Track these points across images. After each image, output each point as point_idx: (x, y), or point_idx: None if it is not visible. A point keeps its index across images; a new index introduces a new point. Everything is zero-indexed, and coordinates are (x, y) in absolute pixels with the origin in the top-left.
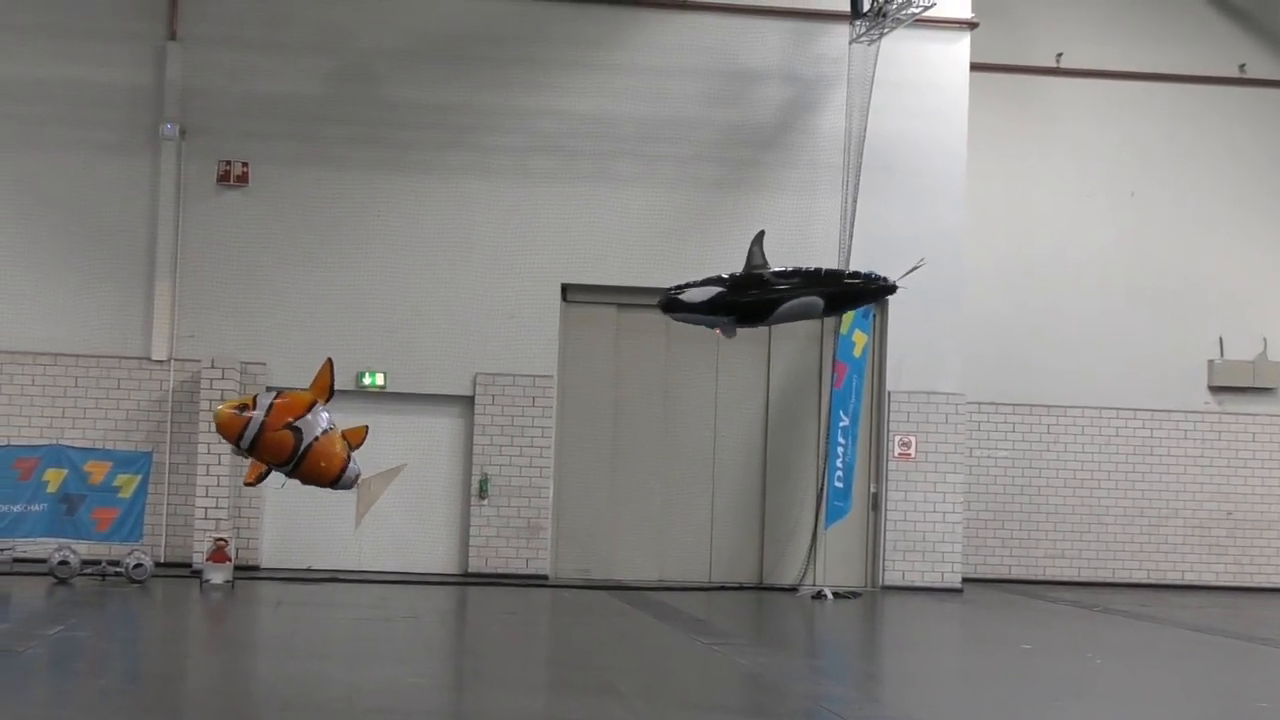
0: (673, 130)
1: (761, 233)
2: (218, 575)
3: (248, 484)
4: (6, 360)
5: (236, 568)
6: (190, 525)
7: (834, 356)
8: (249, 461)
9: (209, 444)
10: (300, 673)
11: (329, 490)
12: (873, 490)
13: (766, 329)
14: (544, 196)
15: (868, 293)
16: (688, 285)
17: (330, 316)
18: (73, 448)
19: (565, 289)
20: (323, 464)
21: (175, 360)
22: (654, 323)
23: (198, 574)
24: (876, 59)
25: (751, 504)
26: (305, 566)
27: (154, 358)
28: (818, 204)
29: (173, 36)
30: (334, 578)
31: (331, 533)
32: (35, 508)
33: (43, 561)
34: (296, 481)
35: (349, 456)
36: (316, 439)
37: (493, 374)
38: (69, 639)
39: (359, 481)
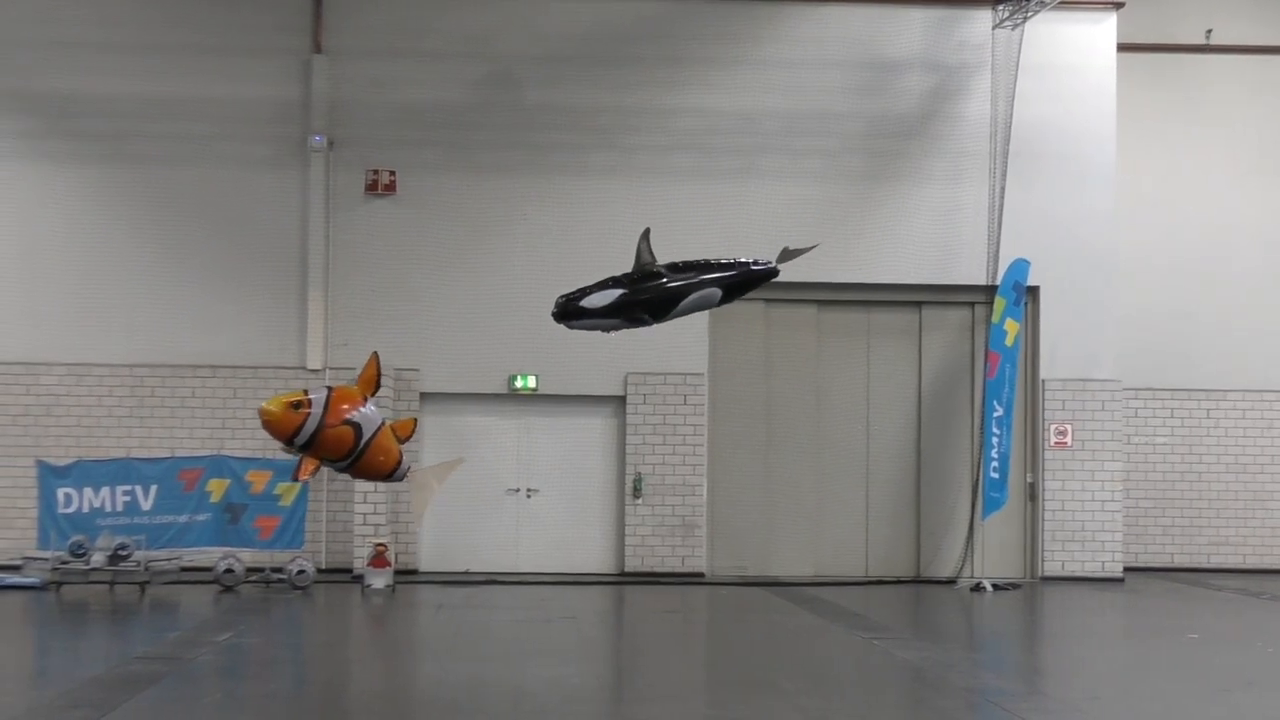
0: (816, 123)
1: (648, 230)
2: (378, 580)
3: (300, 479)
4: (169, 373)
5: (396, 572)
6: (350, 531)
7: (986, 346)
8: (298, 458)
9: (415, 465)
10: (463, 675)
11: (386, 484)
12: (1029, 480)
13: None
14: (688, 194)
15: (755, 278)
16: (584, 291)
17: (480, 320)
18: (234, 458)
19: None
20: (381, 458)
21: (330, 369)
22: (804, 317)
23: (359, 579)
24: (1021, 43)
25: (906, 497)
26: (464, 569)
27: (309, 367)
28: (964, 193)
29: (318, 49)
30: (492, 580)
31: (489, 535)
32: (200, 518)
33: (209, 570)
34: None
35: (401, 450)
36: (376, 433)
37: (643, 373)
38: (237, 645)
39: (410, 474)
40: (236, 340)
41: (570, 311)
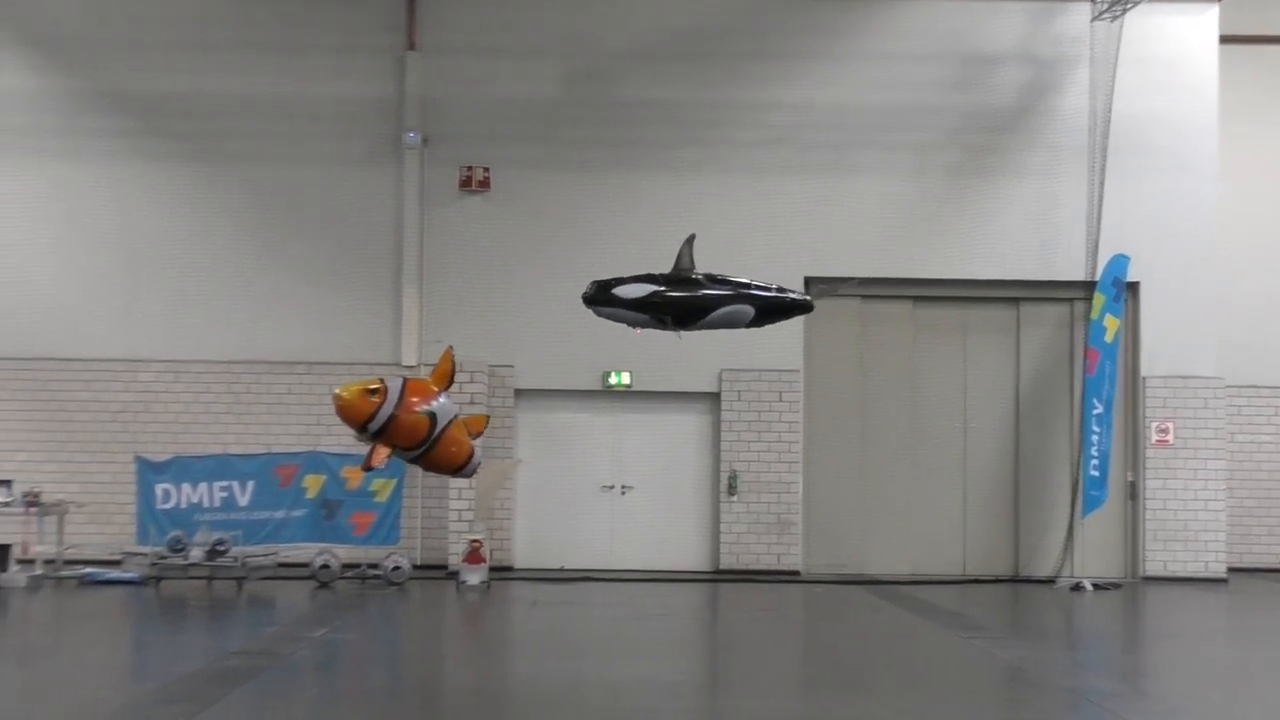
0: (909, 118)
1: (692, 236)
2: (473, 576)
3: (369, 469)
4: (265, 370)
5: (491, 568)
6: (445, 528)
7: (1085, 342)
8: (366, 443)
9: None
10: (559, 672)
11: (465, 479)
12: (1130, 478)
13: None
14: (781, 189)
15: (790, 306)
16: (620, 280)
17: (573, 317)
18: (330, 454)
19: (808, 282)
20: (453, 449)
21: (425, 365)
22: (900, 313)
23: (454, 575)
24: (1121, 36)
25: (1004, 495)
26: (558, 566)
27: (404, 363)
28: (1061, 187)
29: (412, 46)
30: (587, 576)
31: (583, 532)
32: (296, 513)
33: (305, 566)
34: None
35: (472, 444)
36: (449, 425)
37: (738, 370)
38: (333, 641)
39: (479, 470)
40: (332, 337)
41: (601, 297)
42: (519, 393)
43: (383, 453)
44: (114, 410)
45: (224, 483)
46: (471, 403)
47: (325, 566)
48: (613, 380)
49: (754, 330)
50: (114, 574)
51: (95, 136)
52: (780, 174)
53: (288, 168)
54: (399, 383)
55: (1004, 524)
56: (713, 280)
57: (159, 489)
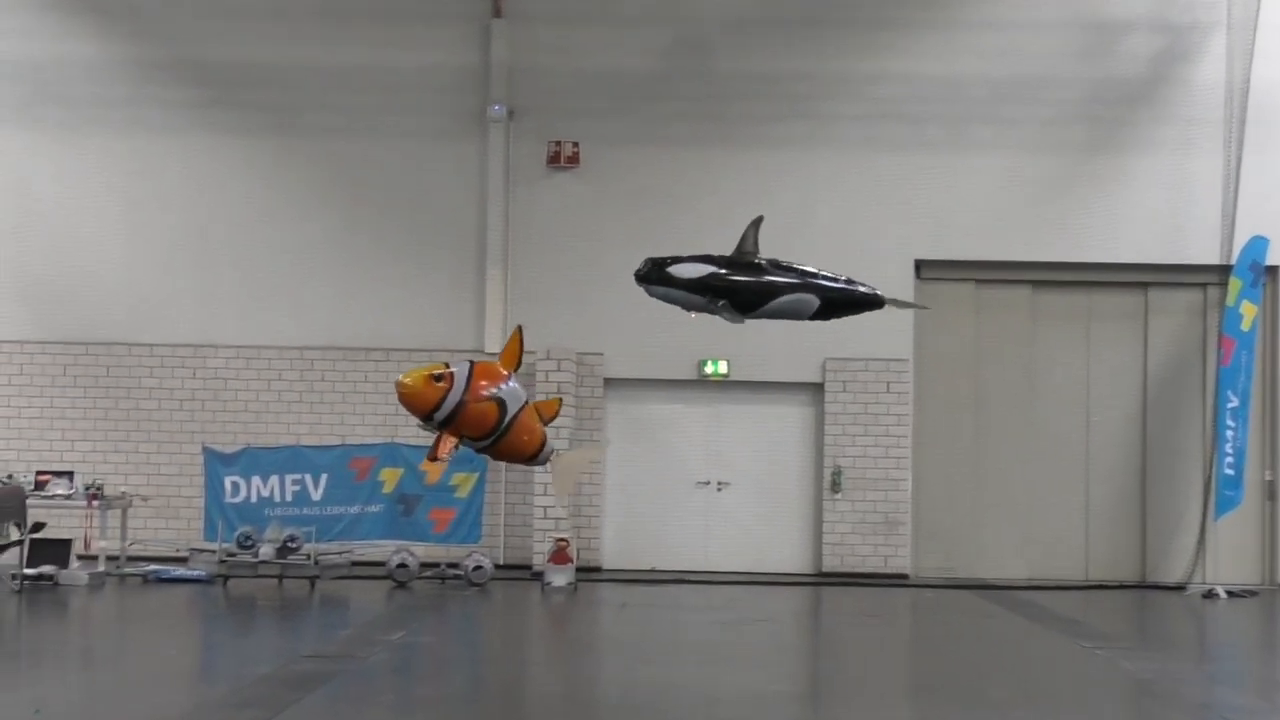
0: (1030, 90)
1: (759, 219)
2: (559, 577)
3: (436, 460)
4: (339, 356)
5: (578, 569)
6: (529, 526)
7: (1220, 330)
8: (434, 436)
9: (558, 448)
10: (651, 679)
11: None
12: (1268, 478)
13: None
14: (891, 166)
15: (859, 300)
16: (676, 259)
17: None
18: (408, 445)
19: (919, 265)
20: (525, 438)
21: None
22: (1017, 299)
23: (538, 576)
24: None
25: (1130, 494)
26: (649, 567)
27: (487, 350)
28: (1195, 163)
29: (498, 14)
30: (680, 579)
31: (676, 531)
32: (372, 509)
33: (381, 564)
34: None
35: (544, 431)
36: (520, 412)
37: (843, 359)
38: (411, 645)
39: (553, 458)
40: (411, 322)
41: (655, 276)
42: (609, 382)
43: (450, 443)
44: (181, 398)
45: (296, 476)
46: (558, 392)
47: (402, 566)
48: (709, 370)
49: (861, 318)
50: (180, 571)
51: (166, 108)
52: (890, 151)
53: (366, 142)
54: (465, 367)
55: (1130, 526)
56: (777, 267)
57: (228, 482)
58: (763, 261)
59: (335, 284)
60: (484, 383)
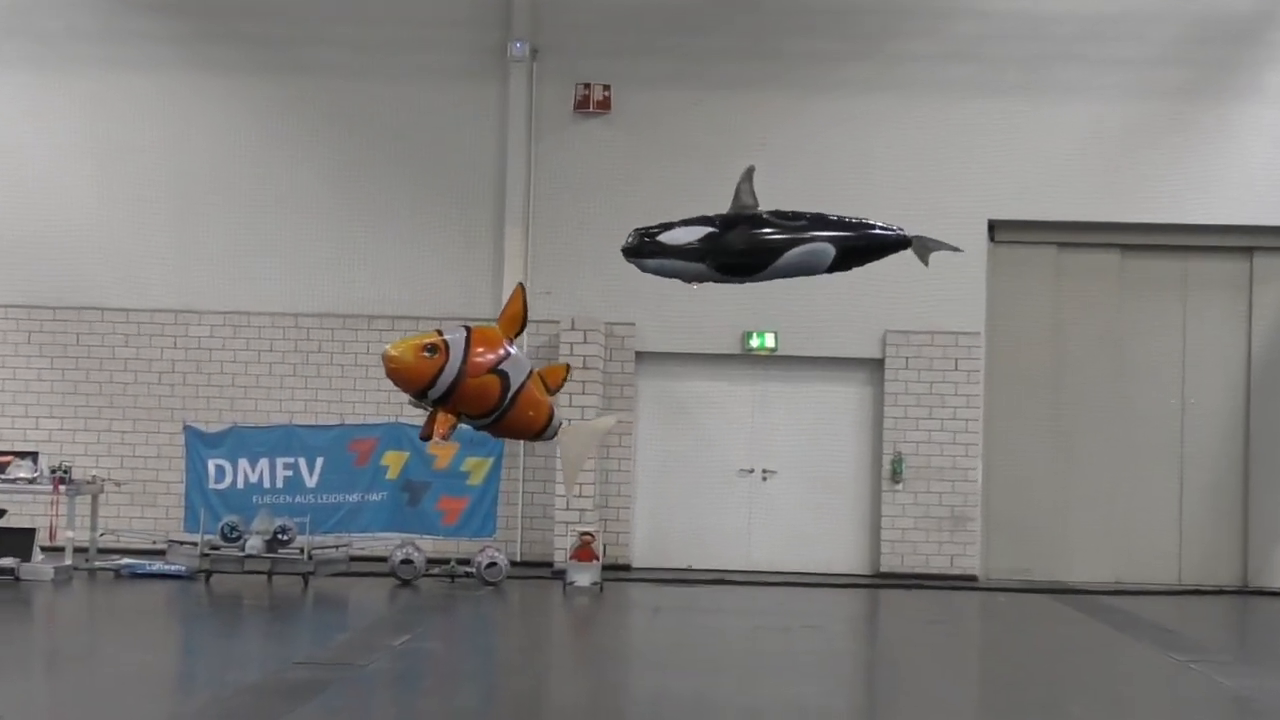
0: (1122, 27)
1: (751, 169)
2: (584, 576)
3: (428, 438)
4: (338, 325)
5: (605, 567)
6: (550, 517)
7: None
8: (426, 412)
9: (569, 420)
10: (685, 692)
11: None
12: None
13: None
14: (963, 114)
15: (881, 243)
16: (666, 226)
17: None
18: (414, 426)
19: (993, 226)
20: (530, 413)
21: (530, 322)
22: (1104, 265)
23: (560, 574)
24: None
25: (1232, 488)
26: (685, 566)
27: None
28: None
29: None
30: (720, 579)
31: (716, 525)
32: (374, 497)
33: (383, 560)
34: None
35: (551, 402)
36: (524, 384)
37: (906, 331)
38: (416, 651)
39: (561, 431)
40: (419, 286)
41: (645, 247)
42: (641, 356)
43: (447, 421)
44: (160, 370)
45: (289, 459)
46: (585, 367)
47: (407, 561)
48: (754, 343)
49: (926, 285)
50: (157, 566)
51: (142, 42)
52: (966, 94)
53: (371, 83)
54: (461, 335)
55: (1230, 523)
56: (780, 217)
57: (211, 465)
58: (764, 214)
59: (334, 243)
60: (483, 352)
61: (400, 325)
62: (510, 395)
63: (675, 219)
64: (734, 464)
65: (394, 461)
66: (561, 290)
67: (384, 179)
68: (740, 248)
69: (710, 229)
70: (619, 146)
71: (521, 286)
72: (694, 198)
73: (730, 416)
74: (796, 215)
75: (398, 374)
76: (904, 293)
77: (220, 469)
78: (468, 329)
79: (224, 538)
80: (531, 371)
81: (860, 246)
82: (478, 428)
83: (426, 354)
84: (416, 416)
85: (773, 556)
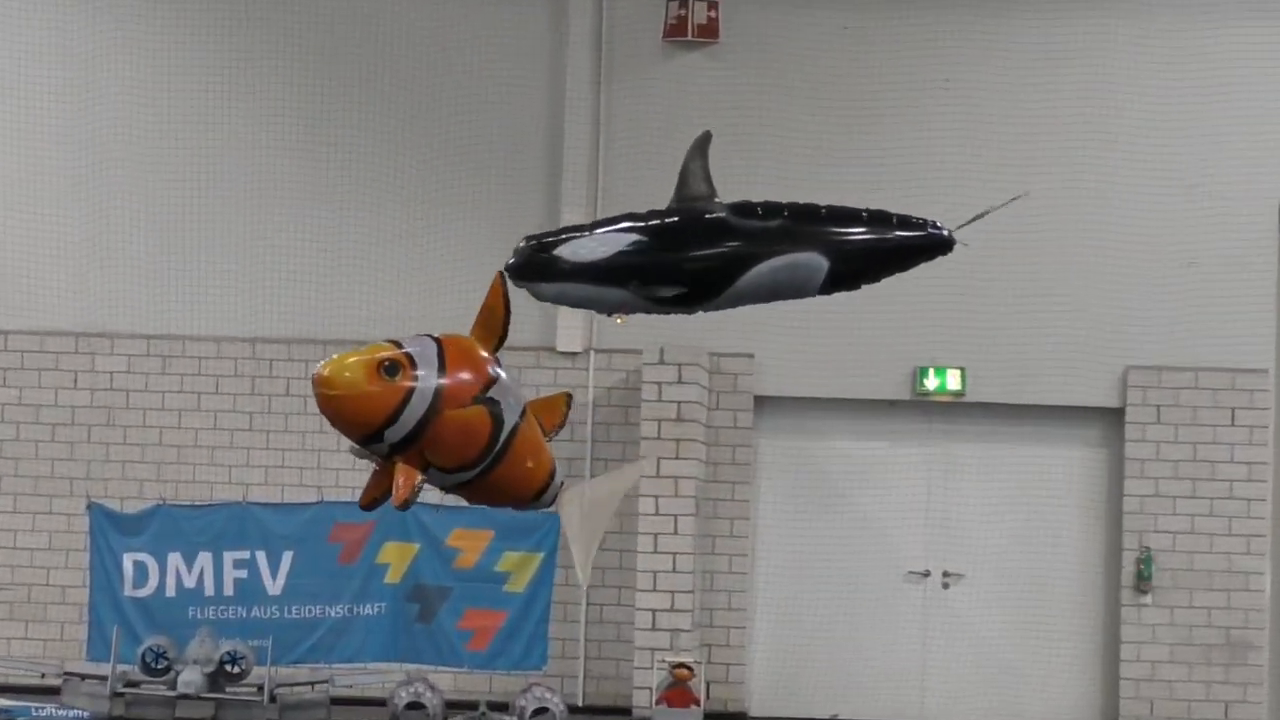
0: None
1: (706, 136)
2: None
3: (372, 505)
4: (313, 355)
5: (709, 716)
6: (628, 641)
7: None
8: (371, 463)
9: (657, 497)
10: None
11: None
12: None
13: None
14: (1239, 46)
15: (912, 249)
16: (571, 232)
17: None
18: (429, 505)
19: None
20: (529, 463)
21: (596, 351)
22: None
23: None
24: None
25: None
26: (829, 716)
27: (560, 348)
28: None
29: None
30: None
31: (874, 653)
32: (367, 610)
33: (381, 704)
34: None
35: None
36: (521, 419)
37: (1156, 368)
38: None
39: (562, 494)
40: (433, 293)
41: (534, 265)
42: (763, 403)
43: (409, 478)
44: (54, 421)
45: (242, 553)
46: (679, 419)
47: (417, 705)
48: (931, 383)
49: (1187, 300)
50: (48, 710)
51: None
52: (1239, 17)
53: (388, 16)
54: (431, 346)
55: None
56: (745, 214)
57: (129, 562)
58: (722, 210)
59: (309, 234)
60: (464, 372)
61: None
62: (504, 436)
63: (806, 193)
64: (901, 563)
65: (397, 557)
66: None
67: (390, 137)
68: (683, 264)
69: (638, 236)
70: (728, 89)
71: (501, 275)
72: (839, 163)
73: (895, 492)
74: (771, 210)
75: (343, 406)
76: (1154, 311)
77: (141, 567)
78: (436, 338)
79: (146, 669)
80: (526, 406)
81: (870, 253)
82: (447, 487)
83: (384, 375)
84: (429, 492)
85: (958, 701)
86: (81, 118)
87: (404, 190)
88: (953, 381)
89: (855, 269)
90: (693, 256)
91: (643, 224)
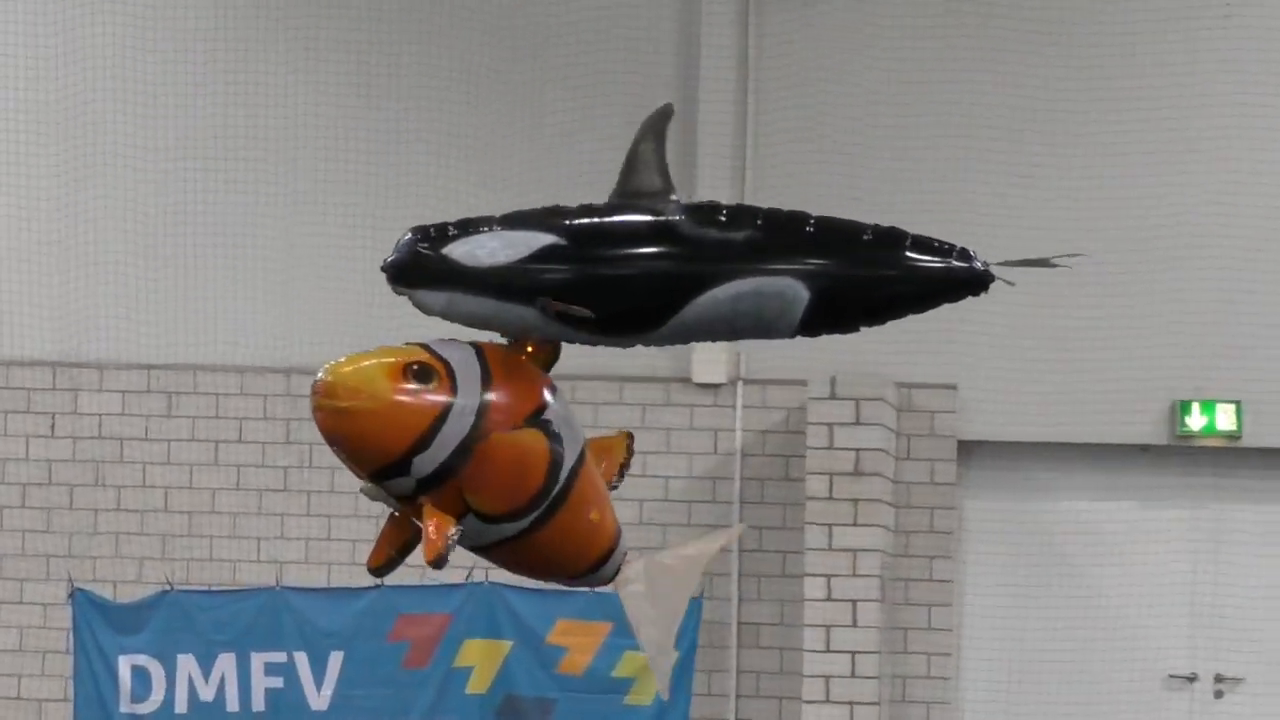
0: None
1: (667, 108)
2: None
3: (384, 569)
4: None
5: None
6: None
7: None
8: (388, 509)
9: (829, 577)
10: None
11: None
12: None
13: None
14: None
15: (931, 281)
16: (469, 226)
17: (1094, 274)
18: (518, 589)
19: None
20: (593, 515)
21: (745, 383)
22: None
23: None
24: None
25: None
26: None
27: (697, 379)
28: None
29: None
30: None
31: None
32: None
33: None
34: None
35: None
36: (582, 457)
37: None
38: None
39: (625, 569)
40: None
41: (417, 266)
42: (969, 449)
43: (445, 525)
44: (27, 480)
45: (275, 654)
46: (857, 472)
47: None
48: (1195, 423)
49: None
50: None
51: None
52: None
53: None
54: (470, 354)
55: None
56: (708, 220)
57: (125, 667)
58: (675, 216)
59: (360, 237)
60: (512, 391)
61: None
62: (565, 474)
63: (1043, 182)
64: (1159, 664)
65: (483, 659)
66: None
67: (459, 102)
68: (611, 281)
69: (554, 238)
70: (910, 25)
71: None
72: (1057, 134)
73: (1149, 568)
74: (741, 216)
75: (357, 424)
76: None
77: (142, 675)
78: (476, 346)
79: None
80: (586, 444)
81: (867, 285)
82: (486, 546)
83: (413, 385)
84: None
85: None
86: (62, 87)
87: (485, 153)
88: (1224, 420)
89: (845, 305)
90: (625, 274)
91: (565, 221)
